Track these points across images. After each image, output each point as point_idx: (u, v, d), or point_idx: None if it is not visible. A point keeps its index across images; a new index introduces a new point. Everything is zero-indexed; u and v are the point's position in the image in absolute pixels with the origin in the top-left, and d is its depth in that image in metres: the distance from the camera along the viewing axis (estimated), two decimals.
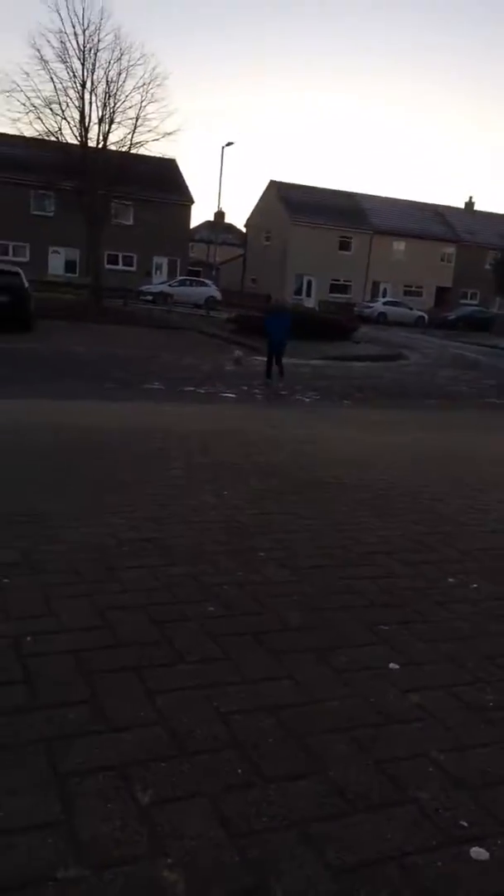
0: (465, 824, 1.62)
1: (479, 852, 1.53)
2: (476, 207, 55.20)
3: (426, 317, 42.48)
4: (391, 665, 2.34)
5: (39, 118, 27.40)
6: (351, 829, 1.57)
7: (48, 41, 30.62)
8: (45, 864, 1.40)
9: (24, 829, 1.48)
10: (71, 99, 28.06)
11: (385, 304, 42.78)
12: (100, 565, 2.98)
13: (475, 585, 3.12)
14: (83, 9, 34.03)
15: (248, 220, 53.81)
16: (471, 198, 55.46)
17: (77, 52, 27.74)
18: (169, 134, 29.63)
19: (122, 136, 28.94)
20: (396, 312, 41.48)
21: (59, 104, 27.74)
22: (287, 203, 47.35)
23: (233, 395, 11.20)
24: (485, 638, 2.60)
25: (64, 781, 1.64)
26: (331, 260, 47.29)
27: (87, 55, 27.69)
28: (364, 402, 11.59)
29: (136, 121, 28.22)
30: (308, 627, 2.57)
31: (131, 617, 2.51)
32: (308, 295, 46.61)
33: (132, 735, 1.84)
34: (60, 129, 28.00)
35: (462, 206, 55.34)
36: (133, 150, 28.81)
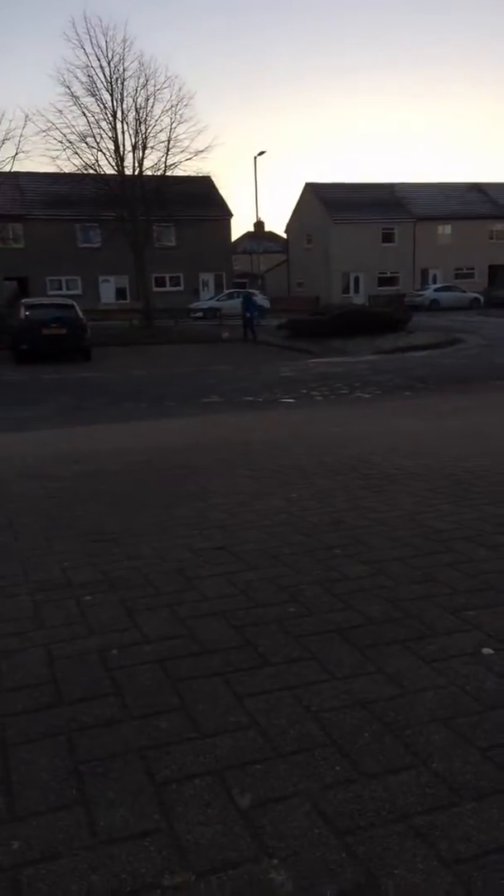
0: None
1: None
2: None
3: (481, 298, 41.50)
4: (484, 650, 2.25)
5: (76, 153, 28.31)
6: (461, 819, 1.50)
7: (76, 77, 31.57)
8: (150, 871, 1.39)
9: (126, 838, 1.48)
10: (104, 130, 28.88)
11: (436, 290, 42.03)
12: (177, 577, 2.99)
13: None
14: (105, 42, 35.04)
15: (288, 225, 53.88)
16: None
17: (105, 83, 28.55)
18: (201, 151, 30.17)
19: (156, 160, 29.61)
20: (449, 297, 40.68)
21: (94, 137, 28.60)
22: (325, 203, 47.16)
23: (292, 400, 11.17)
24: None
25: (161, 789, 1.63)
26: (375, 254, 46.78)
27: (114, 85, 28.47)
28: (424, 392, 11.36)
29: (168, 143, 28.82)
30: (392, 620, 2.50)
31: (213, 624, 2.51)
32: (356, 292, 46.24)
33: (225, 739, 1.82)
34: (97, 160, 28.84)
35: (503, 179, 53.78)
36: (168, 173, 29.35)
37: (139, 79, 30.61)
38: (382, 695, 2.01)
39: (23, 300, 23.21)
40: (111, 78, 28.53)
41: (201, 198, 39.30)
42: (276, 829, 1.49)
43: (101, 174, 29.01)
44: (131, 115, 28.97)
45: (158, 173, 29.31)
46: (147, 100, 29.08)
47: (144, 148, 29.03)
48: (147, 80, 29.37)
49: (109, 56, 28.80)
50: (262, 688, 2.07)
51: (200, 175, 32.59)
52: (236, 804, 1.58)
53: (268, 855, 1.42)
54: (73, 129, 28.52)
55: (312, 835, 1.47)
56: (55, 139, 28.03)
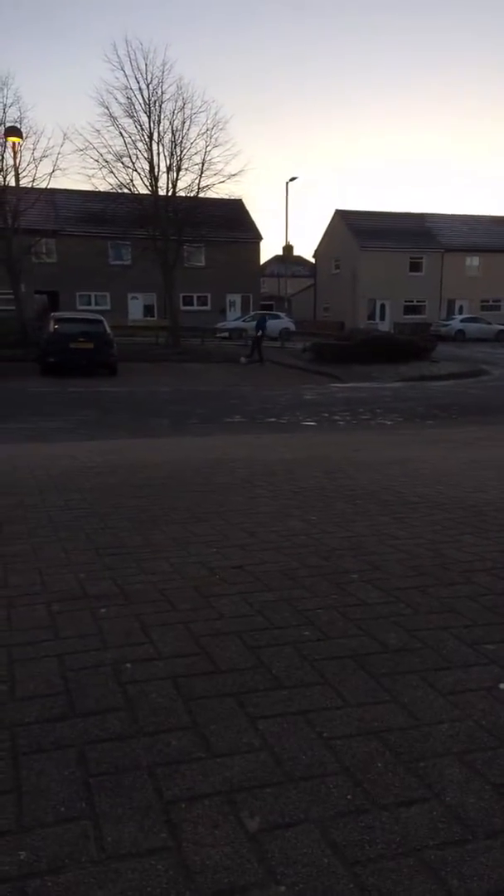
0: None
1: None
2: None
3: None
4: (502, 685, 2.21)
5: (112, 172, 28.75)
6: (473, 856, 1.47)
7: (115, 98, 32.16)
8: (157, 891, 1.37)
9: (133, 855, 1.47)
10: (140, 151, 29.33)
11: (462, 321, 41.97)
12: (193, 593, 2.99)
13: None
14: (145, 64, 35.79)
15: (317, 250, 54.26)
16: None
17: (143, 105, 29.04)
18: (234, 175, 30.41)
19: (189, 182, 29.96)
20: (475, 328, 40.61)
21: (130, 157, 29.05)
22: (354, 230, 47.49)
23: (313, 423, 11.18)
24: None
25: (170, 808, 1.62)
26: (402, 282, 46.93)
27: (152, 108, 28.92)
28: (447, 422, 11.31)
29: (202, 166, 29.19)
30: (408, 649, 2.47)
31: (228, 643, 2.49)
32: (382, 319, 46.33)
33: (236, 761, 1.80)
34: (132, 180, 29.27)
35: None
36: (201, 195, 29.70)
37: (176, 102, 31.17)
38: (396, 725, 1.98)
39: (53, 313, 23.57)
40: (149, 100, 29.06)
41: (232, 220, 39.72)
42: (285, 854, 1.47)
43: (135, 194, 29.47)
44: (167, 138, 29.45)
45: (191, 195, 29.72)
46: (184, 123, 29.55)
47: (179, 170, 29.45)
48: (184, 104, 29.86)
49: (148, 79, 29.38)
50: (276, 711, 2.05)
51: (232, 198, 32.98)
52: (245, 827, 1.56)
53: (275, 881, 1.40)
54: (110, 149, 29.07)
55: (321, 863, 1.45)
56: (92, 158, 28.56)
